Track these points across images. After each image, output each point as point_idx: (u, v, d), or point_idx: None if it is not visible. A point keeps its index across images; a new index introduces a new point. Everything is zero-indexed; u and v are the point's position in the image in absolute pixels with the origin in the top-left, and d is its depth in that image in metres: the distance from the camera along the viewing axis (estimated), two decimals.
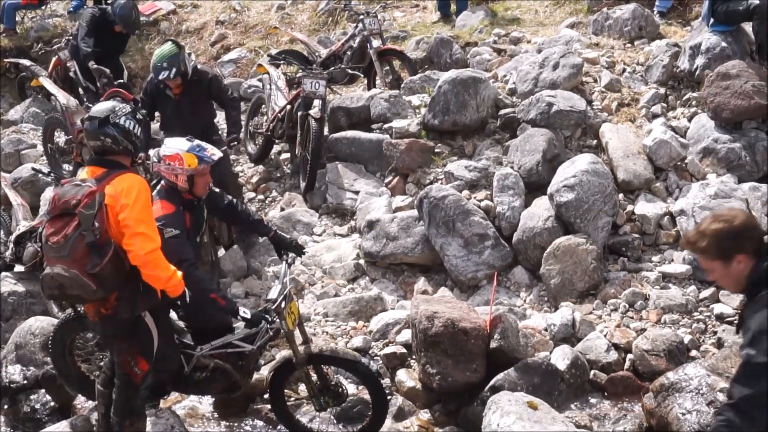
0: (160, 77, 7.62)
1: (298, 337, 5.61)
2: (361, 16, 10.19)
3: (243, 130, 9.99)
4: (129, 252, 4.66)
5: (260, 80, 10.54)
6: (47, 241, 4.67)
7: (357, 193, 8.25)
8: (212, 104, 8.29)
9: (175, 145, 5.45)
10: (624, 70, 8.81)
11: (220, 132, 8.48)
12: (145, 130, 6.60)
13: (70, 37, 10.94)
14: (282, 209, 8.54)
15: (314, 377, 5.65)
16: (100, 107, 4.99)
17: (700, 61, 8.14)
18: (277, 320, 5.38)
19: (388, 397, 5.83)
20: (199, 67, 7.97)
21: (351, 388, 6.07)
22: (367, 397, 5.79)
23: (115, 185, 4.70)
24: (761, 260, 3.61)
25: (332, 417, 5.91)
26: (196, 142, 5.54)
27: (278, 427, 5.88)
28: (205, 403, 6.19)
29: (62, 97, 9.67)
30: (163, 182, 5.50)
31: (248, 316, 5.29)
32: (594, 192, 6.87)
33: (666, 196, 7.32)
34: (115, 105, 4.97)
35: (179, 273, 4.86)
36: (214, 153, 5.52)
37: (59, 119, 9.68)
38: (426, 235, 7.25)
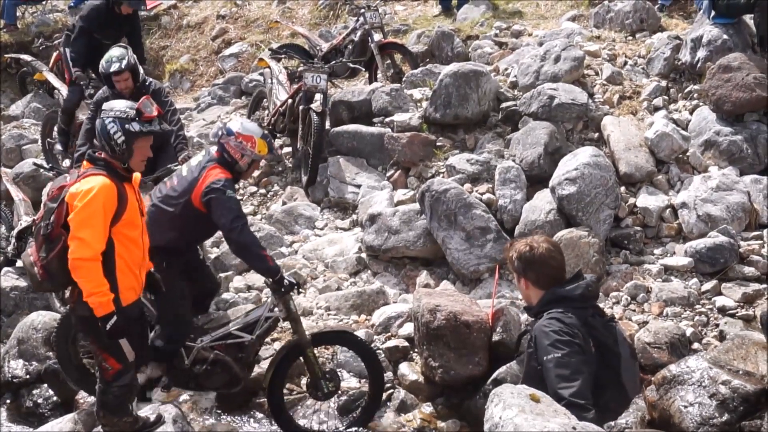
0: (112, 69, 7.37)
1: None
2: (362, 10, 10.18)
3: None
4: None
5: (261, 74, 10.55)
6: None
7: (359, 186, 8.25)
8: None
9: (251, 128, 5.80)
10: (625, 63, 8.80)
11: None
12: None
13: (70, 32, 10.91)
14: (284, 203, 8.54)
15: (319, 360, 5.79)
16: (111, 102, 5.05)
17: (701, 53, 8.13)
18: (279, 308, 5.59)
19: (383, 366, 5.99)
20: (148, 79, 7.74)
21: (353, 382, 6.10)
22: (366, 389, 5.90)
23: (81, 185, 4.72)
24: (548, 291, 4.19)
25: (334, 411, 5.92)
26: (264, 131, 5.94)
27: None
28: (207, 397, 6.20)
29: (66, 91, 9.66)
30: (216, 151, 5.72)
31: (294, 281, 5.59)
32: (596, 185, 6.86)
33: (668, 189, 7.32)
34: (117, 104, 4.93)
35: (108, 296, 4.71)
36: (279, 148, 5.81)
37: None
38: (428, 229, 7.25)
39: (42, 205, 4.91)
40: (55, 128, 9.72)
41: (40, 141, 10.14)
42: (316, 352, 5.75)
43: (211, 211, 5.45)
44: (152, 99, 7.28)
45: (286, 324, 6.22)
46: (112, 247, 4.75)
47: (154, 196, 5.80)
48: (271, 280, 5.58)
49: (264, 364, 6.00)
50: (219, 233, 7.99)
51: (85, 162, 4.93)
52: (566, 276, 4.31)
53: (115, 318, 4.72)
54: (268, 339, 6.15)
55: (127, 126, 4.78)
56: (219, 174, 5.50)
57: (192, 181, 5.55)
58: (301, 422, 5.85)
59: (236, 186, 5.87)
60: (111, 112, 4.83)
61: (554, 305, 4.14)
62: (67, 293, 5.07)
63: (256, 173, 9.18)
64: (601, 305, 6.43)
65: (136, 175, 5.05)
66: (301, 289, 5.81)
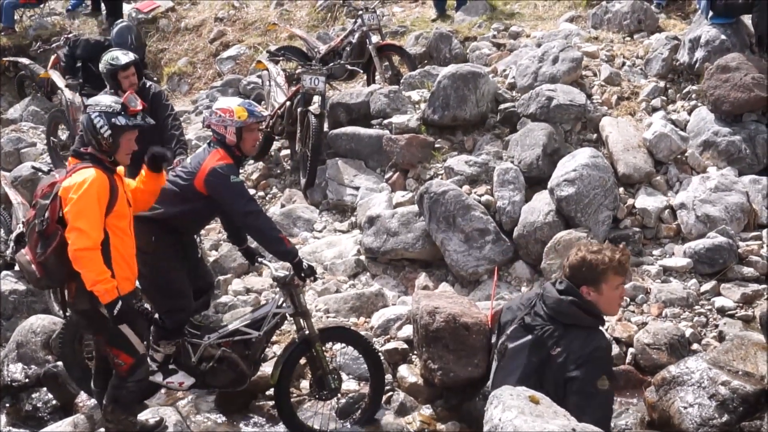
0: (122, 62, 7.15)
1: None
2: (360, 12, 10.18)
3: None
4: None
5: (259, 77, 10.54)
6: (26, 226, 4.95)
7: (357, 189, 8.24)
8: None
9: (229, 100, 5.81)
10: (623, 64, 8.80)
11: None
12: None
13: (69, 35, 10.93)
14: (282, 206, 8.54)
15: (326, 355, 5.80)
16: (97, 97, 5.17)
17: (699, 53, 8.14)
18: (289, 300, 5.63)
19: (382, 360, 5.99)
20: (148, 83, 7.60)
21: (352, 385, 6.09)
22: (365, 391, 5.90)
23: (73, 178, 4.78)
24: None
25: (334, 413, 5.92)
26: (248, 100, 5.98)
27: (280, 424, 5.88)
28: (207, 400, 6.19)
29: (68, 92, 9.65)
30: (213, 136, 5.73)
31: (313, 264, 5.67)
32: (594, 186, 6.86)
33: (666, 190, 7.31)
34: (103, 100, 5.01)
35: (112, 282, 4.76)
36: (264, 111, 5.77)
37: (64, 113, 9.67)
38: (426, 231, 7.24)
39: (32, 205, 4.93)
40: (60, 128, 9.73)
41: (45, 140, 10.15)
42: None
43: (219, 199, 5.49)
44: (153, 102, 7.36)
45: (286, 327, 6.23)
46: (106, 239, 4.80)
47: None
48: (282, 275, 5.58)
49: (266, 368, 5.98)
50: (213, 229, 8.03)
51: (70, 158, 4.99)
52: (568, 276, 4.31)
53: (120, 304, 4.77)
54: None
55: (113, 120, 4.84)
56: (219, 160, 5.49)
57: (196, 165, 5.59)
58: None
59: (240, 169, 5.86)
60: (97, 107, 4.89)
61: None
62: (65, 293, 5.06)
63: (254, 176, 9.21)
64: None
65: (120, 169, 5.08)
66: (317, 277, 5.86)
